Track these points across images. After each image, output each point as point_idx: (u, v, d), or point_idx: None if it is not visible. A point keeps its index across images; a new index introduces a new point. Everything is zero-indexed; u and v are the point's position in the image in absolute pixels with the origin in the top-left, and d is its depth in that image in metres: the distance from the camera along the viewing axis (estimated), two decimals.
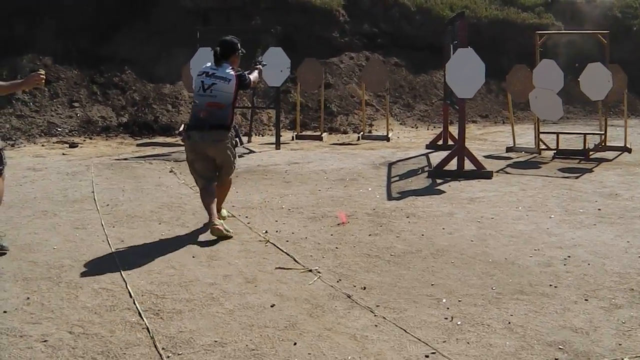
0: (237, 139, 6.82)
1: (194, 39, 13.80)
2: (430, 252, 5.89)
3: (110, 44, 16.76)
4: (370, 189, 8.73)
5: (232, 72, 6.73)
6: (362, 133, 14.85)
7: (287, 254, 5.80)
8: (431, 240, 6.30)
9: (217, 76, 6.70)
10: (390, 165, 10.74)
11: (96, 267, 5.50)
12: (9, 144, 13.24)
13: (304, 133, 15.15)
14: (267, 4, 18.52)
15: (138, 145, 13.58)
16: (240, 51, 6.93)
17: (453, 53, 10.69)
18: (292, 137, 14.65)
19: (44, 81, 5.97)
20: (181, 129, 15.30)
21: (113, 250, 5.97)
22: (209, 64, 6.87)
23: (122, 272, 5.30)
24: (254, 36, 14.37)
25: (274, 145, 13.10)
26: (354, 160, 11.21)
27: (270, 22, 17.49)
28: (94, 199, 8.19)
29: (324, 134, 14.79)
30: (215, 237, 6.33)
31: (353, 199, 8.14)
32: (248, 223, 6.94)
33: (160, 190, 8.75)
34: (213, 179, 6.78)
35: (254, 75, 7.22)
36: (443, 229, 6.72)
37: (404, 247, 6.07)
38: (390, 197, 8.25)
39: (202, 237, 6.45)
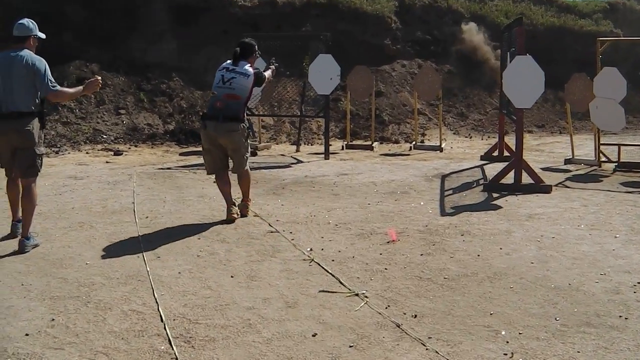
0: (249, 131, 7.89)
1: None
2: (487, 276, 5.44)
3: (158, 50, 16.62)
4: (422, 204, 8.31)
5: (251, 69, 7.51)
6: (414, 143, 14.44)
7: (333, 275, 5.41)
8: (487, 261, 5.85)
9: (236, 71, 7.46)
10: (444, 177, 10.29)
11: (128, 286, 5.18)
12: (53, 150, 13.14)
13: (354, 142, 14.80)
14: (317, 10, 18.25)
15: (182, 154, 13.38)
16: (257, 52, 7.79)
17: (510, 61, 10.20)
18: (342, 146, 14.32)
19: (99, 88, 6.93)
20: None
21: (147, 267, 5.64)
22: (228, 61, 7.60)
23: (154, 293, 4.97)
24: (303, 43, 14.05)
25: (323, 155, 12.77)
26: (405, 172, 10.79)
27: (320, 29, 17.17)
28: (134, 211, 7.94)
29: (375, 144, 14.42)
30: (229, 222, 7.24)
31: (404, 214, 7.72)
32: (292, 239, 6.57)
33: (202, 202, 8.47)
34: (226, 167, 7.63)
35: (267, 73, 8.12)
36: (500, 249, 6.25)
37: (459, 269, 5.62)
38: (443, 213, 7.81)
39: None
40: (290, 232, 6.86)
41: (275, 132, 15.96)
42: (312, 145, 15.18)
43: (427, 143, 14.98)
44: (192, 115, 15.75)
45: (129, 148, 14.01)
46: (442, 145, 13.98)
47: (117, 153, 13.25)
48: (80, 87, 6.90)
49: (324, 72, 12.58)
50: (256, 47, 7.74)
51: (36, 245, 6.43)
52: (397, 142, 15.42)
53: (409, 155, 13.25)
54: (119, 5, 16.80)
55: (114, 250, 6.22)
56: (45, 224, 7.25)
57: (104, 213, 7.85)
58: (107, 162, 12.25)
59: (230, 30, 17.27)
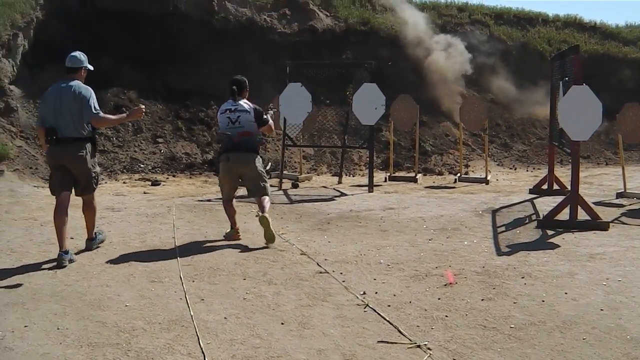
0: (265, 165, 8.86)
1: (282, 73, 13.36)
2: (556, 325, 5.04)
3: (196, 78, 16.49)
4: (475, 241, 7.92)
5: (247, 104, 8.21)
6: (458, 175, 14.07)
7: (390, 323, 5.05)
8: (554, 308, 5.44)
9: (239, 110, 8.13)
10: (494, 212, 9.90)
11: (171, 332, 4.87)
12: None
13: (397, 174, 14.48)
14: (357, 37, 18.06)
15: None
16: (247, 89, 8.46)
17: (563, 91, 9.81)
18: (385, 178, 14.05)
19: (142, 116, 7.61)
20: (268, 167, 14.90)
21: (191, 311, 5.33)
22: (229, 101, 8.22)
23: (200, 341, 4.65)
24: (346, 71, 13.79)
25: (367, 188, 12.47)
26: (453, 206, 10.43)
27: (361, 56, 16.97)
28: (175, 246, 7.69)
29: (419, 175, 14.06)
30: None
31: (458, 253, 7.35)
32: (343, 281, 6.22)
33: (244, 238, 8.18)
34: (234, 194, 8.43)
35: (269, 115, 8.66)
36: (566, 293, 5.84)
37: (524, 316, 5.23)
38: (499, 252, 7.41)
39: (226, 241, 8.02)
40: (341, 273, 6.52)
41: (315, 163, 15.71)
42: (353, 176, 14.90)
43: (471, 175, 14.61)
44: None
45: (167, 178, 13.84)
46: (488, 178, 13.59)
47: (155, 183, 13.09)
48: (124, 115, 7.61)
49: (368, 102, 12.30)
50: (246, 82, 8.47)
51: (102, 241, 7.68)
52: (440, 173, 15.08)
53: (454, 187, 12.90)
54: (157, 30, 16.75)
55: (154, 291, 5.94)
56: (82, 260, 7.03)
57: (143, 248, 7.63)
58: (144, 192, 12.08)
59: (269, 57, 17.17)
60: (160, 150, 15.02)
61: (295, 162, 15.52)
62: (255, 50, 17.39)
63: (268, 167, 14.82)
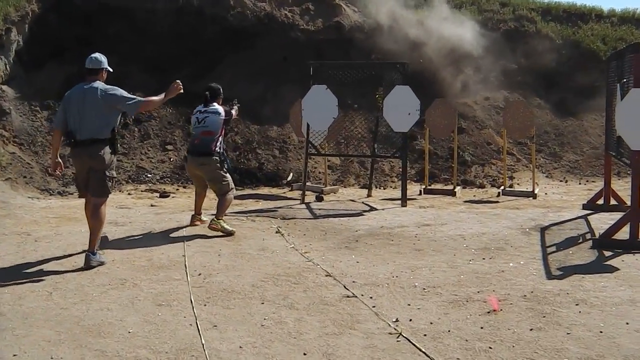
0: (225, 164, 9.81)
1: (306, 75, 13.32)
2: None
3: (210, 79, 16.46)
4: (522, 263, 7.81)
5: (221, 108, 9.86)
6: (502, 188, 13.94)
7: (426, 355, 4.96)
8: (614, 340, 5.31)
9: (208, 112, 9.76)
10: (543, 230, 9.77)
11: None
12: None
13: (433, 187, 14.39)
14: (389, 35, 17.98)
15: (237, 197, 13.12)
16: (221, 95, 10.11)
17: (620, 94, 9.65)
18: (420, 191, 13.97)
19: (181, 90, 8.41)
20: (289, 178, 14.88)
21: (202, 339, 5.26)
22: (200, 105, 9.90)
23: None
24: (376, 72, 13.71)
25: (400, 202, 12.40)
26: (497, 223, 10.31)
27: (392, 56, 16.91)
28: (185, 265, 7.66)
29: (457, 188, 13.97)
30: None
31: (503, 276, 7.23)
32: (373, 307, 6.13)
33: (263, 257, 8.14)
34: (205, 187, 10.08)
35: (234, 112, 10.32)
36: (627, 323, 5.70)
37: (580, 349, 5.10)
38: (550, 275, 7.29)
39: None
40: (371, 297, 6.44)
41: (342, 174, 15.66)
42: (384, 189, 14.85)
43: (517, 188, 14.48)
44: (249, 152, 15.57)
45: (177, 189, 13.87)
46: (536, 191, 13.44)
47: (164, 195, 13.11)
48: (163, 94, 8.27)
49: (401, 107, 12.22)
50: (220, 90, 10.09)
51: (102, 264, 7.69)
52: (482, 186, 14.96)
53: (497, 202, 12.79)
54: (167, 27, 16.79)
55: (161, 316, 5.89)
56: (80, 280, 7.02)
57: (150, 268, 7.60)
58: (152, 205, 12.12)
59: (291, 56, 17.15)
60: (170, 159, 15.04)
61: (319, 173, 15.48)
62: (274, 49, 17.39)
63: (290, 178, 14.79)
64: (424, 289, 6.76)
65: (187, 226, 10.10)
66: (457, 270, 7.49)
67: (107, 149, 7.75)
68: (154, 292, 6.63)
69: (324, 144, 14.38)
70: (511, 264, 7.77)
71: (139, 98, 8.10)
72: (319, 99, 12.72)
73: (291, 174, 15.15)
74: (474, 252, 8.40)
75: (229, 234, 9.37)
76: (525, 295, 6.50)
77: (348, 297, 6.46)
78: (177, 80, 8.44)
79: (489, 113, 17.79)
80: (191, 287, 6.76)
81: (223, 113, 9.75)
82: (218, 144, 9.61)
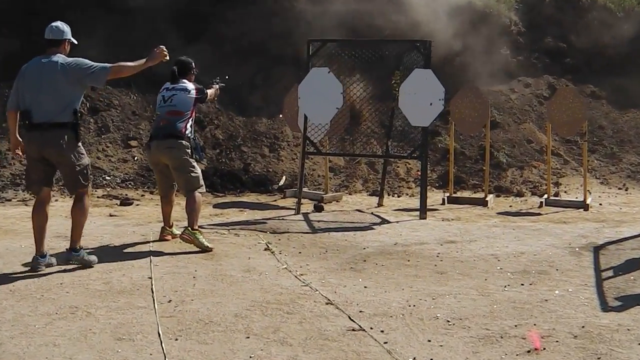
0: (196, 151, 9.84)
1: (303, 55, 13.35)
2: None
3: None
4: (570, 290, 7.84)
5: (191, 84, 9.90)
6: (545, 197, 14.00)
7: None
8: None
9: (176, 89, 9.80)
10: (597, 250, 9.84)
11: None
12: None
13: (459, 195, 14.49)
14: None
15: (218, 205, 13.18)
16: (194, 70, 10.21)
17: None
18: (443, 199, 14.06)
19: (167, 57, 8.73)
20: (282, 182, 14.93)
21: None
22: (167, 84, 9.92)
23: None
24: (391, 52, 13.74)
25: (417, 213, 12.48)
26: (539, 241, 10.39)
27: (411, 31, 16.95)
28: (151, 290, 7.68)
29: (490, 197, 14.06)
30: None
31: (546, 306, 7.26)
32: (385, 343, 6.16)
33: (249, 280, 8.17)
34: (172, 187, 10.12)
35: (211, 90, 10.50)
36: None
37: None
38: (605, 307, 7.32)
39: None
40: (382, 331, 6.46)
41: (347, 177, 15.75)
42: (399, 196, 14.95)
43: (564, 197, 14.56)
44: (232, 150, 15.60)
45: (142, 195, 13.95)
46: (588, 201, 13.51)
47: (125, 202, 13.19)
48: (142, 60, 8.56)
49: (421, 95, 12.24)
50: (193, 64, 10.18)
51: (87, 264, 8.40)
52: (520, 194, 15.02)
53: (539, 214, 12.88)
54: (135, 3, 16.81)
55: (122, 353, 5.90)
56: (20, 308, 6.98)
57: (107, 293, 7.60)
58: (110, 215, 12.20)
59: (284, 32, 17.14)
60: (134, 157, 15.12)
61: (319, 177, 15.56)
62: (265, 22, 17.42)
63: (282, 183, 14.84)
64: (448, 321, 6.78)
65: (154, 241, 10.15)
66: (489, 299, 7.52)
67: (69, 136, 8.09)
68: (113, 323, 6.62)
69: (325, 140, 14.42)
70: (557, 292, 7.80)
71: (106, 64, 8.31)
72: (320, 85, 12.75)
73: (284, 178, 15.21)
74: (510, 277, 8.44)
75: (205, 249, 9.40)
76: (574, 332, 6.52)
77: (354, 330, 6.47)
78: (161, 45, 8.74)
79: (529, 103, 17.91)
80: (159, 317, 6.77)
81: (194, 90, 9.85)
82: (188, 126, 9.71)
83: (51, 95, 8.04)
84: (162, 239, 10.12)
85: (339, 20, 17.51)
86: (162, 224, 10.38)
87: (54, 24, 8.33)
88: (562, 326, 6.66)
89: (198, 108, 11.02)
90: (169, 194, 10.15)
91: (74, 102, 8.18)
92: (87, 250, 8.77)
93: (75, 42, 8.54)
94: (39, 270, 8.08)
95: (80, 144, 8.39)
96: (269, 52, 17.06)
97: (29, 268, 8.24)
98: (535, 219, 12.34)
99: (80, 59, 8.23)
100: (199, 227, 9.80)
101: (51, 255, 8.50)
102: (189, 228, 9.50)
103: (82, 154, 8.41)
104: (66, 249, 8.54)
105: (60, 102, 8.07)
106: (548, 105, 14.57)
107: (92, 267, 8.39)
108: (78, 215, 8.42)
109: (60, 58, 8.15)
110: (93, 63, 8.20)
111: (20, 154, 8.92)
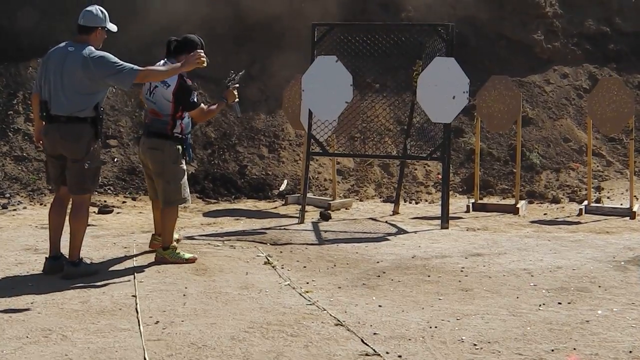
0: (182, 154, 9.53)
1: (308, 41, 13.37)
2: None
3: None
4: (615, 310, 7.87)
5: (175, 78, 9.13)
6: (585, 203, 14.01)
7: None
8: None
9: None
10: None
11: None
12: None
13: (486, 201, 14.52)
14: None
15: (209, 213, 13.21)
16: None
17: None
18: (467, 206, 14.07)
19: (205, 63, 8.76)
20: (283, 187, 14.96)
21: None
22: (160, 61, 9.51)
23: None
24: (409, 37, 13.76)
25: (439, 222, 12.50)
26: (578, 254, 10.42)
27: (430, 16, 16.99)
28: (136, 310, 7.69)
29: (521, 203, 14.07)
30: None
31: (588, 328, 7.29)
32: None
33: (247, 298, 8.21)
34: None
35: (210, 108, 10.05)
36: None
37: None
38: None
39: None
40: (399, 356, 6.50)
41: (357, 181, 15.77)
42: (417, 203, 15.00)
43: (607, 203, 14.57)
44: (226, 150, 15.62)
45: (123, 202, 13.97)
46: (635, 208, 13.53)
47: (104, 210, 13.18)
48: (177, 65, 8.80)
49: (442, 87, 12.22)
50: (201, 46, 9.32)
51: (92, 273, 8.77)
52: (556, 200, 15.03)
53: (579, 223, 12.90)
54: None
55: None
56: None
57: (85, 313, 7.61)
58: (88, 224, 12.13)
59: (286, 15, 17.17)
60: (114, 159, 15.15)
61: (325, 180, 15.57)
62: (261, 2, 17.45)
63: (284, 188, 14.88)
64: (475, 344, 6.81)
65: (140, 254, 10.15)
66: (522, 320, 7.53)
67: (87, 132, 8.43)
68: (92, 347, 6.63)
69: (332, 139, 14.46)
70: (599, 312, 7.82)
71: (133, 66, 8.43)
72: (327, 76, 12.75)
73: (285, 182, 15.23)
74: (546, 294, 8.46)
75: (188, 261, 9.54)
76: (620, 357, 6.56)
77: (367, 355, 6.49)
78: (199, 50, 8.86)
79: (567, 96, 17.90)
80: (145, 341, 6.78)
81: (175, 85, 9.25)
82: (178, 123, 9.43)
83: (70, 88, 8.32)
84: (151, 248, 10.06)
85: (350, 1, 17.59)
86: (148, 233, 10.39)
87: (89, 7, 8.55)
88: (606, 351, 6.68)
89: None
90: (156, 199, 9.98)
91: (95, 97, 8.48)
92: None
93: (114, 29, 8.76)
94: (51, 274, 8.62)
95: (98, 143, 8.72)
96: (268, 38, 17.07)
97: (43, 271, 8.85)
98: (574, 229, 12.36)
99: (108, 55, 8.39)
100: (189, 237, 9.88)
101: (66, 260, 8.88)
102: (161, 248, 9.60)
103: (97, 154, 8.75)
104: (67, 263, 8.80)
105: (80, 97, 8.36)
106: (589, 98, 14.59)
107: (96, 273, 8.86)
108: (77, 225, 8.71)
109: (87, 50, 8.33)
110: (121, 63, 8.35)
111: (42, 146, 9.39)
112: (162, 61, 9.49)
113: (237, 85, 10.11)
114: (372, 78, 15.56)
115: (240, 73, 10.27)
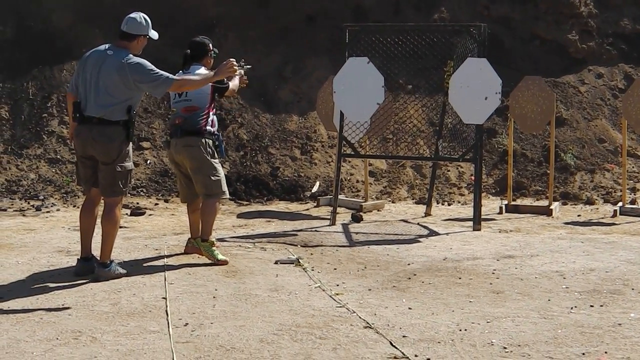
0: (217, 148, 9.78)
1: (340, 43, 13.35)
2: None
3: None
4: None
5: (206, 72, 9.33)
6: (620, 204, 13.93)
7: None
8: None
9: None
10: None
11: None
12: (32, 205, 13.23)
13: (519, 203, 14.45)
14: None
15: (242, 215, 13.20)
16: (212, 52, 9.89)
17: None
18: (500, 208, 14.00)
19: (243, 78, 10.03)
20: (315, 189, 14.94)
21: None
22: (179, 72, 9.40)
23: None
24: (441, 38, 13.71)
25: (471, 223, 12.45)
26: (611, 256, 10.34)
27: (462, 17, 16.94)
28: (166, 312, 7.71)
29: (555, 205, 13.99)
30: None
31: (620, 331, 7.23)
32: None
33: (277, 300, 8.20)
34: (193, 197, 10.00)
35: (233, 83, 9.84)
36: None
37: None
38: None
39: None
40: (428, 359, 6.47)
41: (390, 183, 15.74)
42: (449, 204, 14.96)
43: None
44: (258, 152, 15.62)
45: (155, 204, 13.99)
46: None
47: (137, 212, 13.20)
48: (211, 73, 9.04)
49: (475, 88, 12.18)
50: (211, 45, 9.87)
51: (119, 276, 8.83)
52: (590, 202, 14.94)
53: (613, 224, 12.83)
54: None
55: None
56: (16, 333, 7.04)
57: (115, 315, 7.64)
58: (120, 226, 12.15)
59: (318, 17, 17.17)
60: (146, 161, 15.18)
61: (357, 182, 15.55)
62: (296, 5, 17.45)
63: (316, 189, 14.86)
64: (505, 348, 6.77)
65: (171, 255, 10.17)
66: (553, 322, 7.48)
67: (119, 135, 8.59)
68: (121, 349, 6.64)
69: (365, 141, 14.43)
70: (632, 315, 7.75)
71: (169, 75, 8.59)
72: (358, 78, 12.73)
73: (317, 184, 15.21)
74: (578, 297, 8.40)
75: (218, 262, 9.59)
76: None
77: (396, 358, 6.47)
78: (231, 59, 9.02)
79: (602, 97, 17.79)
80: (174, 343, 6.79)
81: None
82: (209, 120, 9.68)
83: (105, 91, 8.47)
84: (186, 252, 10.14)
85: (382, 3, 17.55)
86: (179, 235, 10.37)
87: (132, 14, 8.69)
88: (638, 355, 6.61)
89: (219, 103, 11.03)
90: (193, 200, 10.07)
91: (129, 101, 8.61)
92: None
93: (155, 36, 8.92)
94: (82, 276, 8.77)
95: (130, 146, 8.85)
96: (301, 40, 17.06)
97: (73, 273, 8.99)
98: (608, 230, 12.29)
99: (145, 62, 8.53)
100: (220, 239, 9.87)
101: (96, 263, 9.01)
102: (199, 239, 9.75)
103: (129, 157, 8.82)
104: (97, 264, 8.88)
105: (113, 101, 8.50)
106: (624, 98, 14.50)
107: (125, 274, 8.96)
108: (109, 227, 8.82)
109: (125, 56, 8.47)
110: (157, 71, 8.50)
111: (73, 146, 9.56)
112: (181, 72, 9.48)
113: (242, 72, 10.15)
114: (404, 79, 15.51)
115: (248, 66, 10.42)
